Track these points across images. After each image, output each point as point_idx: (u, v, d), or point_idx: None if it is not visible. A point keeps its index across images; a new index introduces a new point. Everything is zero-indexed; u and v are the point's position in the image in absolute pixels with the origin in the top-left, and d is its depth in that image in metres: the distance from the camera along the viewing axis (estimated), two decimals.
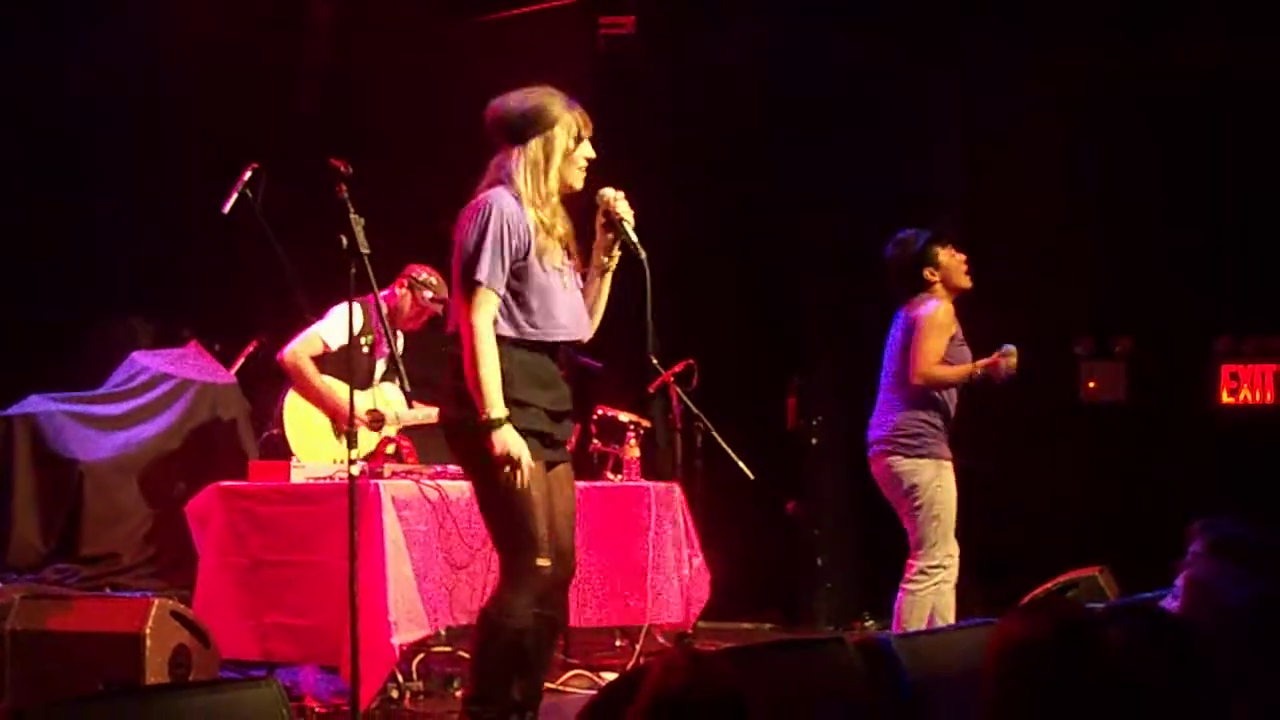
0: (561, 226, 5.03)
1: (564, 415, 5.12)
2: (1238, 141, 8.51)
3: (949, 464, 6.63)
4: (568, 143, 4.98)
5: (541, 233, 4.96)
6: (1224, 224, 8.55)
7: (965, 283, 6.74)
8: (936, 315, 6.59)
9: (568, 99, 5.03)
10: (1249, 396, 8.77)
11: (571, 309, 5.06)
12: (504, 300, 4.92)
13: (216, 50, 9.05)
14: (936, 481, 6.58)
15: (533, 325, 4.97)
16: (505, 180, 4.97)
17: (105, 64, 9.07)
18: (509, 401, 4.85)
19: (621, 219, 5.03)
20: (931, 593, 6.52)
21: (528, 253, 4.92)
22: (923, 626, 6.38)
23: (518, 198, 4.93)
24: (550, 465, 5.07)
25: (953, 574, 6.57)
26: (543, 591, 4.93)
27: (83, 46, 8.91)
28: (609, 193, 5.07)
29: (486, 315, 4.86)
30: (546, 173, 4.97)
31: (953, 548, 6.57)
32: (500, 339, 4.90)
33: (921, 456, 6.58)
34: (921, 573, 6.55)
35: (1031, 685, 2.39)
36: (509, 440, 4.82)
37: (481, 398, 4.83)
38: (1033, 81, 8.89)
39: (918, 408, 6.61)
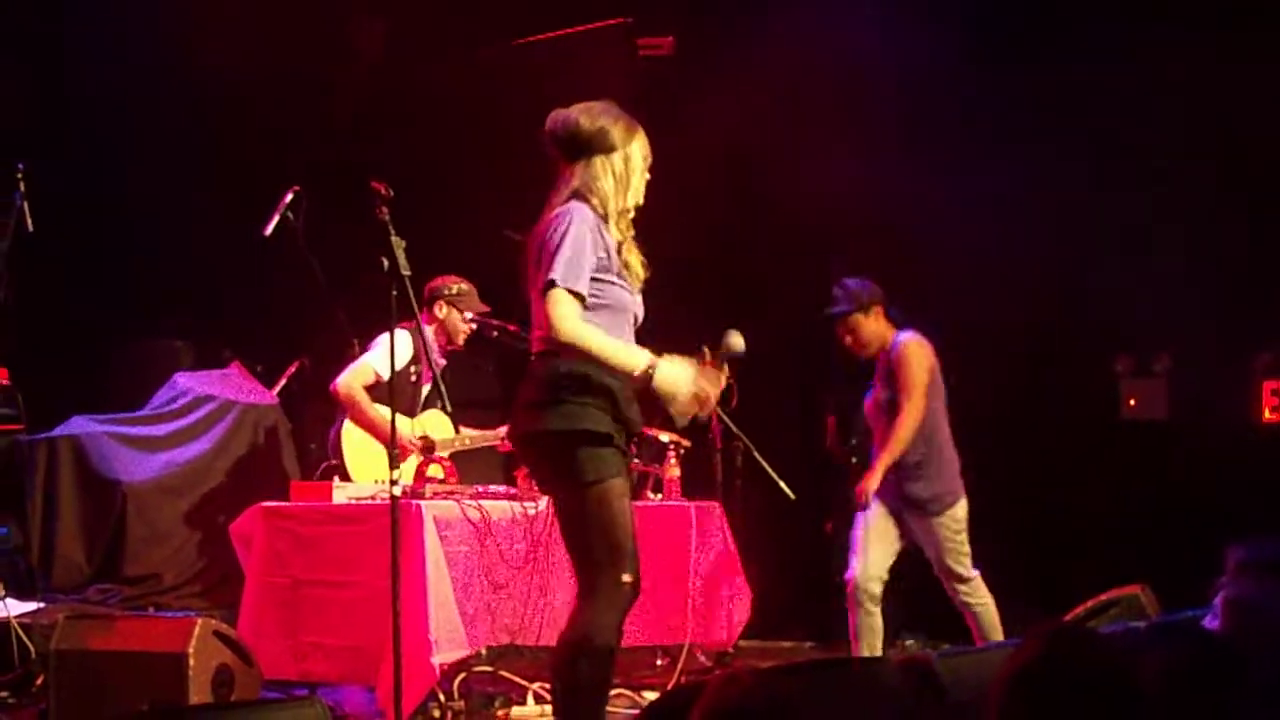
0: (635, 243, 4.89)
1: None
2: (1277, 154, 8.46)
3: None
4: (644, 161, 4.87)
5: (625, 248, 4.83)
6: (1265, 238, 8.50)
7: None
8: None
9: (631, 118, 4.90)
10: None
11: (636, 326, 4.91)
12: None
13: (259, 71, 9.10)
14: None
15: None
16: (585, 194, 4.79)
17: (145, 87, 9.16)
18: (592, 408, 4.62)
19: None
20: None
21: (609, 266, 4.72)
22: None
23: (598, 211, 4.78)
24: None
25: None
26: (625, 608, 4.70)
27: (122, 68, 8.99)
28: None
29: (571, 313, 4.59)
30: (627, 189, 4.82)
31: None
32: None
33: None
34: None
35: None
36: (676, 373, 4.63)
37: (622, 364, 4.61)
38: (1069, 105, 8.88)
39: None
